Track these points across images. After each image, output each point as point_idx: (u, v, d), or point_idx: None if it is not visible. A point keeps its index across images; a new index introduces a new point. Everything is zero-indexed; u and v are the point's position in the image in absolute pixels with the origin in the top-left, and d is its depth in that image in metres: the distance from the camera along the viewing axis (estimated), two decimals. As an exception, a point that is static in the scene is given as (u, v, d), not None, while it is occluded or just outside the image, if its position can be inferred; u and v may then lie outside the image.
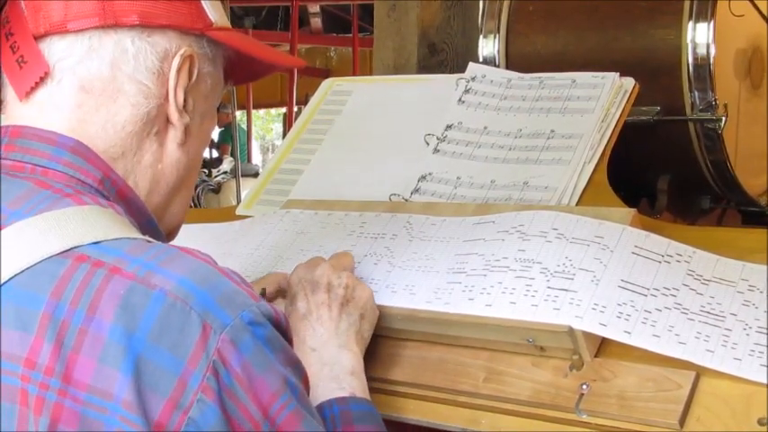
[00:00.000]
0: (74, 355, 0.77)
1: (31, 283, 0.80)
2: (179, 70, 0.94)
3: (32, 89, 0.91)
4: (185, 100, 0.95)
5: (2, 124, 0.94)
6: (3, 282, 0.81)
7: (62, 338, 0.78)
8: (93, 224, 0.84)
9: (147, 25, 0.92)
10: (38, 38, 0.91)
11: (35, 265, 0.81)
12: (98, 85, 0.92)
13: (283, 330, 0.87)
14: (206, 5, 0.97)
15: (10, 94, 0.94)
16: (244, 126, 9.91)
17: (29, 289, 0.80)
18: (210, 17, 0.97)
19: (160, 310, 0.78)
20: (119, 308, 0.78)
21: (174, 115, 0.95)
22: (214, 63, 1.00)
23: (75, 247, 0.82)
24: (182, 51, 0.94)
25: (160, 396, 0.76)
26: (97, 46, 0.91)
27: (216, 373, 0.78)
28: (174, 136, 0.96)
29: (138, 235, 0.87)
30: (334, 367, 1.07)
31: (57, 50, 0.91)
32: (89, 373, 0.77)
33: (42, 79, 0.91)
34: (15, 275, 0.81)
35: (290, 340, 0.88)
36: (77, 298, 0.79)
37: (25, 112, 0.93)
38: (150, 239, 0.87)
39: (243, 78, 1.10)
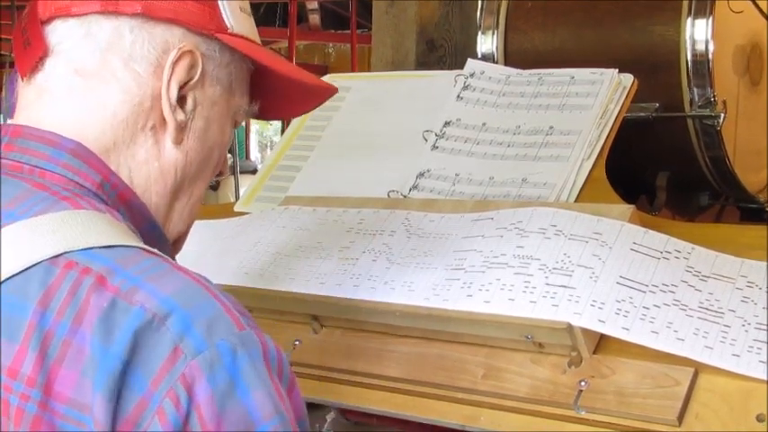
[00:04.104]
0: (56, 367, 0.76)
1: (20, 290, 0.79)
2: (175, 63, 0.91)
3: (33, 70, 0.91)
4: (184, 97, 0.93)
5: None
6: None
7: (46, 349, 0.76)
8: (86, 229, 0.82)
9: (149, 16, 0.91)
10: (44, 22, 0.91)
11: (25, 270, 0.79)
12: (91, 68, 0.91)
13: (276, 368, 0.80)
14: (225, 11, 0.94)
15: (20, 79, 0.94)
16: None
17: (17, 295, 0.78)
18: (227, 22, 0.94)
19: (136, 326, 0.75)
20: (98, 321, 0.76)
21: (165, 108, 0.92)
22: (227, 70, 0.96)
23: (65, 253, 0.80)
24: (181, 45, 0.92)
25: (124, 414, 0.74)
26: (96, 30, 0.90)
27: (176, 398, 0.74)
28: (169, 133, 0.94)
29: (136, 242, 0.85)
30: None
31: (58, 33, 0.91)
32: (71, 385, 0.75)
33: (41, 59, 0.91)
34: (5, 280, 0.79)
35: (285, 378, 0.81)
36: (64, 308, 0.77)
37: (29, 95, 0.93)
38: (147, 248, 0.84)
39: (276, 111, 1.07)
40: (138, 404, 0.74)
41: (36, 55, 0.90)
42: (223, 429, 0.75)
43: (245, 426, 0.76)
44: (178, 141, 0.95)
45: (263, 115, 1.07)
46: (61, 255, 0.80)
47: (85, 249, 0.80)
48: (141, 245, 0.85)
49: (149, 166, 0.94)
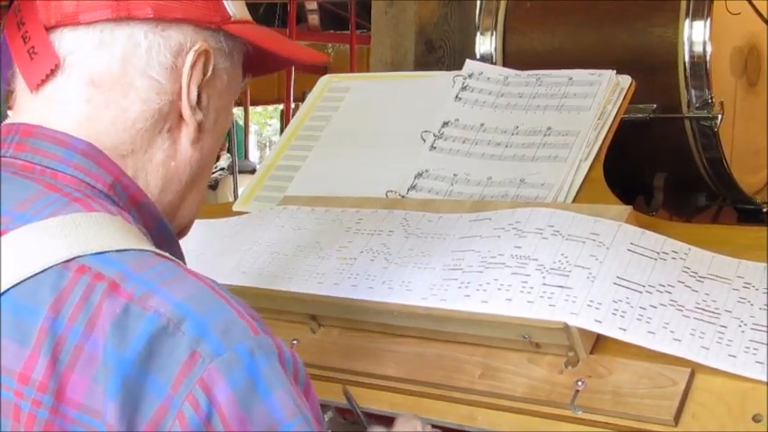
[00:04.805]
0: (68, 373, 0.75)
1: (32, 294, 0.78)
2: (193, 66, 0.90)
3: (43, 82, 0.89)
4: (199, 96, 0.92)
5: (12, 116, 0.93)
6: (3, 290, 0.78)
7: (57, 354, 0.76)
8: (98, 232, 0.81)
9: (161, 19, 0.89)
10: (49, 29, 0.88)
11: (37, 274, 0.79)
12: (108, 79, 0.89)
13: (291, 369, 0.80)
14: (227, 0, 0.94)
15: (20, 84, 0.92)
16: (241, 122, 9.90)
17: (28, 300, 0.78)
18: (229, 11, 0.93)
19: (151, 332, 0.75)
20: (112, 326, 0.75)
21: (186, 112, 0.92)
22: (231, 58, 0.96)
23: (77, 257, 0.79)
24: (196, 47, 0.91)
25: (142, 420, 0.74)
26: (109, 39, 0.88)
27: (196, 402, 0.74)
28: (187, 133, 0.93)
29: (147, 245, 0.84)
30: None
31: (67, 43, 0.88)
32: (82, 391, 0.75)
33: (53, 71, 0.88)
34: (18, 284, 0.78)
35: (301, 381, 0.82)
36: (76, 313, 0.77)
37: (34, 105, 0.90)
38: (159, 252, 0.84)
39: (262, 71, 1.06)
40: (159, 409, 0.74)
41: (47, 67, 0.88)
42: (247, 429, 0.75)
43: (268, 425, 0.76)
44: (196, 140, 0.94)
45: (250, 76, 1.06)
46: (73, 259, 0.79)
47: (98, 253, 0.80)
48: (152, 248, 0.84)
49: (166, 167, 0.93)
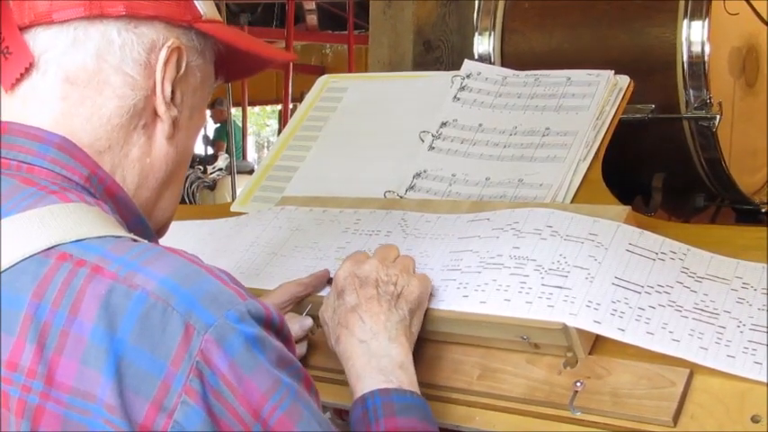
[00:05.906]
0: (56, 357, 0.76)
1: (13, 284, 0.79)
2: (166, 62, 0.92)
3: (17, 81, 0.90)
4: (173, 93, 0.94)
5: None
6: None
7: (44, 340, 0.77)
8: (76, 221, 0.83)
9: (133, 16, 0.91)
10: (23, 28, 0.89)
11: (17, 264, 0.80)
12: (83, 76, 0.90)
13: (277, 329, 0.84)
14: None
15: None
16: (239, 123, 9.91)
17: (10, 289, 0.79)
18: (200, 10, 0.96)
19: (141, 310, 0.76)
20: (100, 308, 0.77)
21: (161, 108, 0.94)
22: (203, 56, 0.98)
23: (57, 245, 0.80)
24: (169, 43, 0.92)
25: (143, 398, 0.75)
26: (83, 37, 0.90)
27: (200, 374, 0.76)
28: (161, 129, 0.95)
29: (124, 233, 0.85)
30: (381, 360, 1.05)
31: (42, 42, 0.90)
32: (72, 375, 0.76)
33: (27, 70, 0.90)
34: None
35: (287, 340, 0.86)
36: (59, 299, 0.78)
37: (9, 104, 0.92)
38: (136, 238, 0.85)
39: (235, 74, 1.08)
40: (161, 386, 0.75)
41: (21, 66, 0.89)
42: (252, 390, 0.78)
43: (272, 382, 0.79)
44: (171, 136, 0.96)
45: (223, 79, 1.08)
46: (53, 247, 0.80)
47: (78, 241, 0.81)
48: (130, 235, 0.86)
49: (142, 163, 0.95)
